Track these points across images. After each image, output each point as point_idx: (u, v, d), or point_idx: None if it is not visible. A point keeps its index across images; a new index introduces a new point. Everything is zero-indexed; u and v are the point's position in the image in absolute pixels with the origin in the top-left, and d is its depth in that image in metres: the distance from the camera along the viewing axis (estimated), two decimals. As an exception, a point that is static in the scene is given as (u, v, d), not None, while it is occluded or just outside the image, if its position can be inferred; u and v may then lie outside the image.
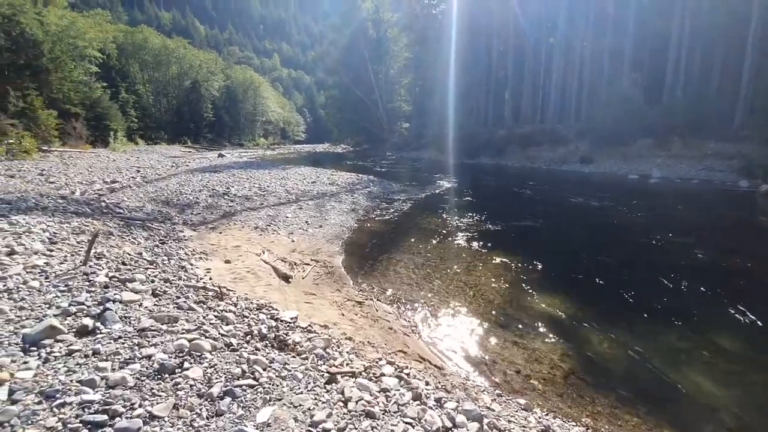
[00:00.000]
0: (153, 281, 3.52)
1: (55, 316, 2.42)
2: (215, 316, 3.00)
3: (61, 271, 3.20)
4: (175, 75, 52.81)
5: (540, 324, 4.30)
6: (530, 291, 5.17)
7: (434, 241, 7.41)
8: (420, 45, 39.84)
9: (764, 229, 8.81)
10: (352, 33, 44.27)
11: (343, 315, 4.06)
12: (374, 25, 44.33)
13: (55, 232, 4.31)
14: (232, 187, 11.72)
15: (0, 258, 3.20)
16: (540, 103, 30.27)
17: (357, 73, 44.72)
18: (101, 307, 2.60)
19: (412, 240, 7.55)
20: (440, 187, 15.15)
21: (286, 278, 4.86)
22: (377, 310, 4.32)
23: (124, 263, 3.94)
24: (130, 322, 2.50)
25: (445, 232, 8.20)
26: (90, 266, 3.42)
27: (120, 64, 41.30)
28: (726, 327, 4.22)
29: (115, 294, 2.87)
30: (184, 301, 3.22)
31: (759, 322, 4.23)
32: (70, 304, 2.62)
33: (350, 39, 44.31)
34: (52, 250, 3.67)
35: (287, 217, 8.52)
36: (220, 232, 7.02)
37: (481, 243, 7.26)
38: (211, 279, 4.49)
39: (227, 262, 5.35)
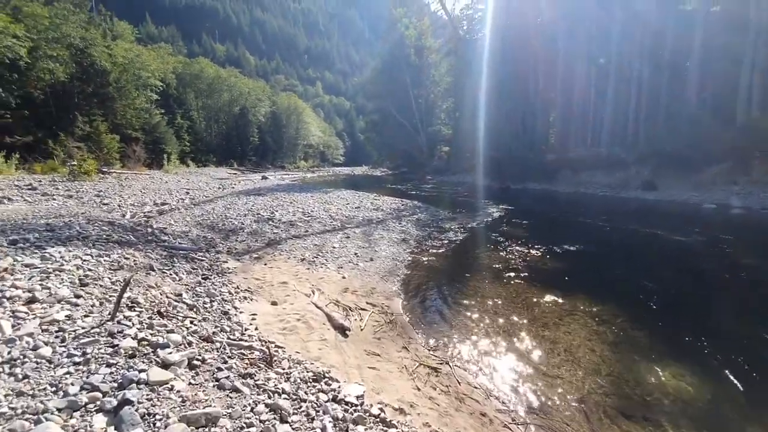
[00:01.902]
0: (190, 343, 2.84)
1: (58, 411, 1.76)
2: (266, 405, 2.25)
3: (82, 329, 2.60)
4: (226, 102, 55.71)
5: (667, 404, 3.23)
6: (637, 358, 4.07)
7: (501, 282, 6.42)
8: (462, 70, 39.50)
9: None
10: (393, 59, 44.88)
11: (418, 390, 3.19)
12: (416, 51, 44.77)
13: (89, 270, 3.82)
14: (276, 211, 11.34)
15: (17, 308, 2.66)
16: (591, 126, 28.60)
17: (397, 97, 45.02)
18: (120, 396, 1.91)
19: (476, 279, 6.59)
20: (491, 215, 14.08)
21: (342, 330, 4.08)
22: (459, 383, 3.42)
23: (160, 312, 3.32)
24: (153, 426, 1.78)
25: (510, 270, 7.17)
26: (118, 321, 2.80)
27: (178, 92, 44.11)
28: None
29: (141, 370, 2.20)
30: (227, 376, 2.50)
31: None
32: (81, 389, 1.96)
33: (392, 65, 44.89)
34: (79, 296, 3.11)
35: (334, 247, 7.86)
36: (265, 264, 6.44)
37: (555, 286, 6.18)
38: (257, 329, 3.79)
39: (274, 304, 4.68)
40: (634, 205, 17.09)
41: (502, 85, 30.44)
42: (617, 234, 11.07)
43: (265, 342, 3.49)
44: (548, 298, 5.72)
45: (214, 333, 3.38)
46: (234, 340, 3.37)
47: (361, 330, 4.23)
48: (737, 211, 14.29)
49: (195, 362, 2.58)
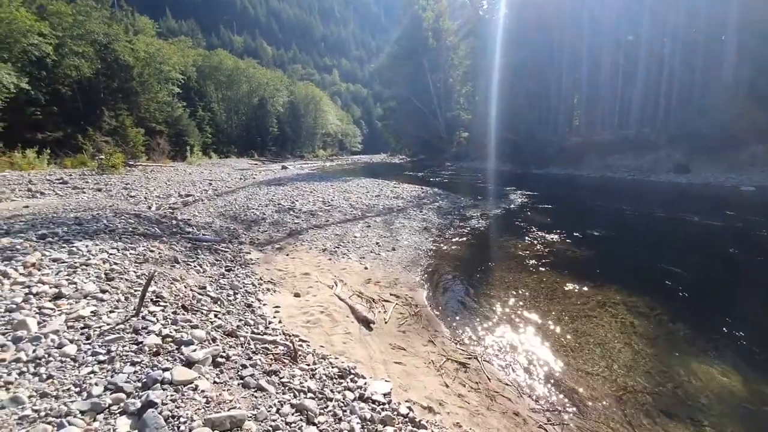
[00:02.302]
0: (215, 339, 2.79)
1: (81, 414, 1.72)
2: (291, 406, 2.17)
3: (107, 325, 2.58)
4: (245, 93, 56.10)
5: (711, 404, 3.01)
6: (677, 354, 3.83)
7: (527, 271, 6.20)
8: (481, 51, 38.30)
9: None
10: (410, 43, 43.91)
11: (447, 387, 3.07)
12: (434, 34, 43.62)
13: (115, 263, 3.84)
14: (297, 201, 11.34)
15: (43, 304, 2.67)
16: (618, 108, 27.32)
17: (415, 83, 44.17)
18: (144, 397, 1.87)
19: (502, 269, 6.38)
20: (513, 202, 13.69)
21: (366, 323, 3.99)
22: (489, 379, 3.28)
23: (184, 307, 3.30)
24: (177, 430, 1.72)
25: (535, 258, 6.92)
26: (143, 317, 2.78)
27: (198, 84, 44.69)
28: None
29: (165, 369, 2.16)
30: (252, 374, 2.44)
31: None
32: (105, 389, 1.93)
33: (409, 49, 43.94)
34: (105, 291, 3.12)
35: (355, 237, 7.77)
36: (287, 254, 6.42)
37: (584, 276, 5.91)
38: (281, 323, 3.75)
39: (297, 295, 4.63)
40: (665, 189, 16.32)
41: (523, 66, 29.38)
42: (647, 220, 10.56)
43: (289, 336, 3.43)
44: (577, 288, 5.48)
45: (238, 327, 3.35)
46: (258, 334, 3.33)
47: (386, 323, 4.14)
48: (781, 194, 13.43)
49: (219, 359, 2.53)
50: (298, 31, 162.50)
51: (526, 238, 8.48)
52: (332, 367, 2.99)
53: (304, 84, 75.97)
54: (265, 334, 3.37)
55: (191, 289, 3.91)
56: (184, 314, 3.18)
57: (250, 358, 2.75)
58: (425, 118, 45.30)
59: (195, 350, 2.52)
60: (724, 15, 19.99)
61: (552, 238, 8.36)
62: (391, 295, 4.97)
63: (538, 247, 7.71)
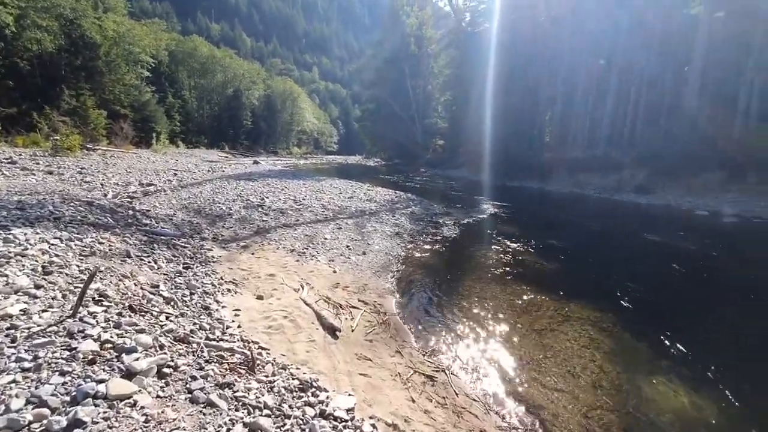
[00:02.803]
0: (162, 346, 2.53)
1: (-11, 437, 1.46)
2: (244, 425, 1.97)
3: (38, 327, 2.28)
4: (220, 83, 54.40)
5: (669, 422, 3.06)
6: (637, 370, 3.90)
7: (497, 282, 6.21)
8: (461, 62, 38.98)
9: None
10: (393, 48, 44.11)
11: (413, 402, 2.94)
12: (416, 41, 44.04)
13: (56, 255, 3.47)
14: (267, 198, 10.97)
15: (-36, 301, 2.33)
16: (588, 127, 28.47)
17: (395, 87, 44.38)
18: (71, 414, 1.62)
19: (472, 278, 6.37)
20: (486, 212, 13.88)
21: (332, 330, 3.81)
22: (457, 394, 3.18)
23: (131, 307, 3.00)
24: (107, 457, 1.49)
25: (505, 270, 6.97)
26: (80, 318, 2.48)
27: (170, 70, 42.88)
28: None
29: (100, 381, 1.90)
30: (202, 387, 2.21)
31: None
32: (27, 402, 1.66)
33: (391, 53, 44.14)
34: (40, 286, 2.78)
35: (326, 238, 7.56)
36: (252, 253, 6.12)
37: (551, 289, 5.98)
38: (240, 328, 3.50)
39: (260, 298, 4.38)
40: (627, 209, 17.05)
41: (501, 80, 30.08)
42: (610, 237, 10.97)
43: (248, 343, 3.21)
44: (544, 301, 5.53)
45: (191, 332, 3.08)
46: (214, 340, 3.08)
47: (352, 331, 3.97)
48: (729, 219, 14.31)
49: (166, 370, 2.29)
50: (280, 24, 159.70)
51: (496, 248, 8.56)
52: (293, 379, 2.80)
53: (282, 79, 74.59)
54: (222, 340, 3.13)
55: (142, 288, 3.60)
56: (130, 316, 2.89)
57: (201, 368, 2.51)
58: (403, 123, 45.55)
59: (138, 359, 2.27)
60: (690, 46, 21.27)
61: (521, 249, 8.48)
62: (359, 301, 4.80)
63: (508, 258, 7.79)
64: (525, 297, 5.65)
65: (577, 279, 6.85)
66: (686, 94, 21.40)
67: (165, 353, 2.46)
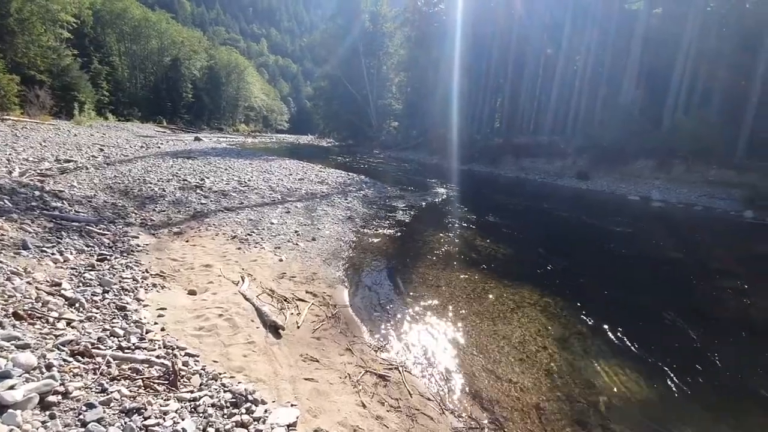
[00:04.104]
0: (50, 366, 2.03)
1: None
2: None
3: None
4: (155, 50, 49.54)
5: (616, 405, 3.09)
6: (585, 355, 3.97)
7: (450, 269, 6.12)
8: (416, 43, 38.47)
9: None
10: (346, 24, 42.46)
11: (364, 407, 2.68)
12: (371, 18, 42.67)
13: None
14: (208, 178, 10.08)
15: None
16: (535, 114, 29.57)
17: (349, 66, 42.92)
18: None
19: (425, 265, 6.22)
20: (439, 195, 13.91)
21: (275, 329, 3.43)
22: (411, 395, 2.97)
23: (17, 314, 2.42)
24: None
25: (460, 256, 6.93)
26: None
27: (95, 32, 38.25)
28: None
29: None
30: (99, 417, 1.77)
31: None
32: None
33: (345, 30, 42.44)
34: None
35: (272, 223, 7.03)
36: (187, 240, 5.50)
37: (503, 274, 6.02)
38: (163, 331, 3.02)
39: (192, 293, 3.87)
40: (569, 193, 17.97)
41: (455, 63, 30.11)
42: (555, 221, 11.42)
43: (172, 350, 2.75)
44: (497, 286, 5.52)
45: (99, 341, 2.57)
46: (127, 349, 2.59)
47: (298, 327, 3.62)
48: (658, 204, 15.56)
49: (52, 398, 1.80)
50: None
51: (449, 232, 8.52)
52: (224, 392, 2.41)
53: (226, 49, 69.52)
54: (138, 348, 2.65)
55: (37, 287, 2.96)
56: (13, 326, 2.32)
57: (104, 390, 2.04)
58: (357, 103, 44.45)
59: (14, 386, 1.76)
60: (630, 38, 22.46)
61: (473, 234, 8.51)
62: (307, 293, 4.44)
63: (460, 243, 7.77)
64: (478, 283, 5.60)
65: (526, 263, 6.96)
66: (623, 86, 22.73)
67: (53, 374, 1.96)
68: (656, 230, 10.85)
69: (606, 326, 4.55)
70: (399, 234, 7.96)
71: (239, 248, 5.44)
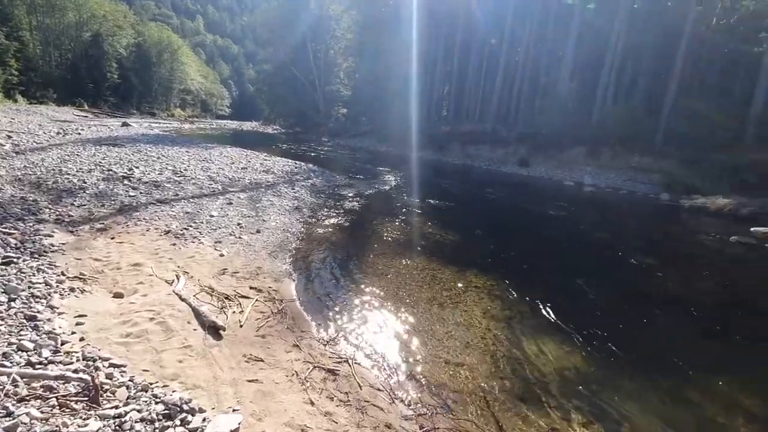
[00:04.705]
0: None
1: None
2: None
3: None
4: (72, 24, 44.19)
5: (556, 381, 3.31)
6: (528, 334, 4.19)
7: (400, 257, 6.16)
8: (364, 27, 37.86)
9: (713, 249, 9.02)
10: (291, 4, 40.65)
11: (312, 404, 2.60)
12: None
13: None
14: (137, 168, 9.25)
15: None
16: (480, 103, 30.50)
17: (294, 49, 41.26)
18: None
19: (375, 254, 6.21)
20: (388, 183, 13.95)
21: (215, 330, 3.22)
22: (360, 387, 2.93)
23: None
24: None
25: (408, 242, 7.01)
26: None
27: (1, 4, 33.24)
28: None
29: None
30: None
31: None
32: None
33: (289, 11, 40.62)
34: None
35: (212, 216, 6.61)
36: (112, 237, 5.00)
37: (450, 260, 6.18)
38: (83, 341, 2.72)
39: (118, 296, 3.52)
40: (511, 180, 18.87)
41: (404, 50, 30.07)
42: (499, 206, 11.95)
43: (94, 361, 2.48)
44: (445, 273, 5.64)
45: (2, 357, 2.23)
46: (39, 365, 2.28)
47: (241, 326, 3.43)
48: (589, 189, 16.85)
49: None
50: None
51: (399, 220, 8.57)
52: (156, 403, 2.22)
53: (157, 26, 63.72)
54: (52, 363, 2.34)
55: None
56: None
57: (10, 414, 1.78)
58: (304, 89, 43.03)
59: None
60: (564, 37, 23.75)
61: (421, 221, 8.65)
62: (251, 288, 4.22)
63: (409, 230, 7.85)
64: (426, 270, 5.69)
65: (472, 249, 7.19)
66: (560, 77, 24.10)
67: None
68: (587, 213, 11.75)
69: (545, 305, 4.83)
70: (348, 223, 7.86)
71: (174, 244, 5.04)
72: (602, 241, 8.76)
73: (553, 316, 4.61)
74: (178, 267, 4.34)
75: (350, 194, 10.77)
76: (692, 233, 10.16)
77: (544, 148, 21.66)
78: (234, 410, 2.36)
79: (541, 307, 4.80)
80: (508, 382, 3.39)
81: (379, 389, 2.99)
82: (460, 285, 5.25)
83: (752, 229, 9.46)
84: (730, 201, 12.01)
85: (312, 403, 2.63)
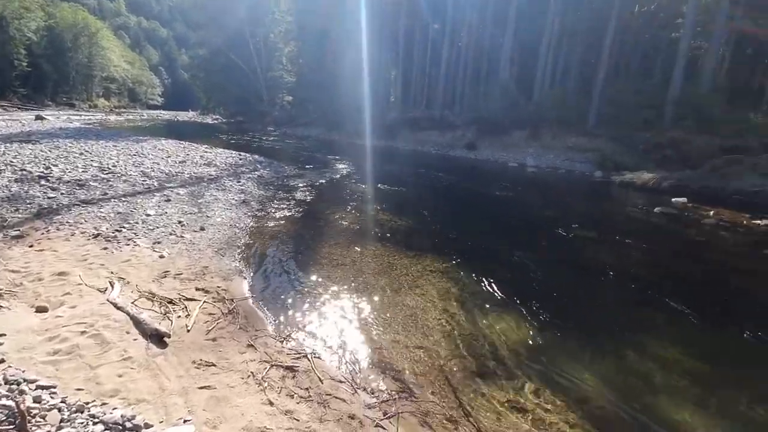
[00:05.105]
0: None
1: None
2: None
3: None
4: (-38, 3, 38.17)
5: (509, 354, 3.48)
6: (482, 311, 4.34)
7: (356, 246, 6.10)
8: (304, 8, 36.49)
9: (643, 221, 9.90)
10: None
11: (271, 404, 2.50)
12: (252, -21, 38.93)
13: None
14: (56, 165, 8.31)
15: None
16: (427, 88, 30.81)
17: (231, 33, 38.84)
18: None
19: (330, 245, 6.09)
20: (339, 172, 13.75)
21: (158, 337, 2.98)
22: (321, 381, 2.87)
23: None
24: None
25: (363, 231, 6.97)
26: None
27: None
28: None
29: None
30: None
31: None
32: None
33: (224, -9, 38.08)
34: None
35: (148, 215, 6.10)
36: (31, 245, 4.46)
37: (406, 245, 6.25)
38: (3, 362, 2.39)
39: (41, 310, 3.14)
40: (460, 163, 19.41)
41: (348, 35, 29.46)
42: (449, 190, 12.25)
43: (18, 385, 2.19)
44: (401, 258, 5.68)
45: None
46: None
47: (188, 331, 3.20)
48: (532, 169, 17.78)
49: None
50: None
51: (352, 209, 8.49)
52: (94, 424, 2.01)
53: (70, 7, 56.81)
54: (-43, 396, 2.03)
55: None
56: None
57: None
58: (244, 76, 40.88)
59: None
60: (504, 21, 24.49)
61: (375, 208, 8.63)
62: (197, 290, 3.96)
63: (363, 218, 7.80)
64: (383, 257, 5.69)
65: (426, 233, 7.31)
66: (501, 62, 24.93)
67: None
68: (530, 193, 12.40)
69: (495, 283, 5.03)
70: (301, 215, 7.64)
71: (105, 248, 4.59)
72: (544, 218, 9.29)
73: (503, 293, 4.81)
74: (112, 273, 3.96)
75: (301, 185, 10.47)
76: (622, 206, 11.10)
77: (490, 131, 22.45)
78: (185, 421, 2.21)
79: (492, 285, 4.99)
80: (466, 361, 3.49)
81: (340, 381, 2.95)
82: (416, 270, 5.31)
83: (673, 200, 10.53)
84: (654, 176, 13.24)
85: (271, 403, 2.52)
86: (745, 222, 8.82)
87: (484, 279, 5.13)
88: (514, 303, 4.58)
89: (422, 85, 30.52)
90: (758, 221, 8.74)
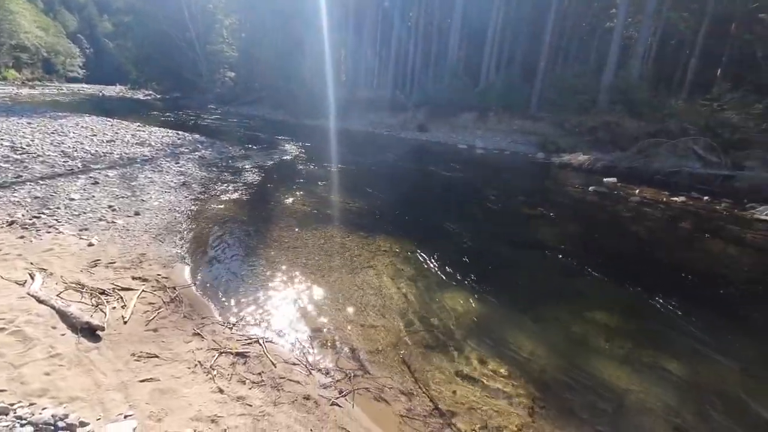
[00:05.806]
0: None
1: None
2: None
3: None
4: None
5: (458, 326, 3.66)
6: (434, 289, 4.50)
7: (308, 228, 5.99)
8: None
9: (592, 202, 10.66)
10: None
11: (222, 392, 2.42)
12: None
13: None
14: (-45, 145, 7.20)
15: None
16: (377, 69, 30.38)
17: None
18: None
19: (280, 227, 5.92)
20: (288, 153, 13.29)
21: (91, 331, 2.74)
22: (274, 365, 2.82)
23: None
24: None
25: (315, 213, 6.84)
26: None
27: None
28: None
29: None
30: None
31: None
32: None
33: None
34: None
35: (72, 199, 5.53)
36: (-74, 237, 3.86)
37: (359, 226, 6.26)
38: None
39: (-57, 309, 2.75)
40: (411, 144, 19.53)
41: (293, 10, 28.03)
42: (400, 170, 12.34)
43: None
44: (354, 239, 5.68)
45: None
46: None
47: (125, 323, 2.98)
48: (480, 151, 18.36)
49: None
50: None
51: (302, 191, 8.28)
52: (22, 426, 1.82)
53: (-38, -41, 48.55)
54: None
55: None
56: None
57: None
58: (179, 48, 37.52)
59: None
60: (451, 6, 24.53)
61: (326, 190, 8.49)
62: (134, 279, 3.68)
63: (314, 200, 7.64)
64: (335, 239, 5.65)
65: (378, 214, 7.32)
66: (450, 45, 25.14)
67: None
68: (478, 173, 12.84)
69: (444, 260, 5.20)
70: (248, 197, 7.32)
71: (22, 237, 4.09)
72: (490, 197, 9.70)
73: (451, 269, 4.99)
74: (32, 264, 3.55)
75: (248, 166, 10.00)
76: (561, 186, 11.86)
77: (440, 113, 22.76)
78: (126, 416, 2.07)
79: (441, 262, 5.15)
80: (418, 336, 3.60)
81: (294, 363, 2.92)
82: (369, 250, 5.33)
83: (605, 179, 11.44)
84: (589, 157, 14.22)
85: (221, 391, 2.44)
86: (664, 199, 9.83)
87: (433, 257, 5.28)
88: (461, 279, 4.77)
89: (372, 66, 30.06)
90: (675, 198, 9.78)
